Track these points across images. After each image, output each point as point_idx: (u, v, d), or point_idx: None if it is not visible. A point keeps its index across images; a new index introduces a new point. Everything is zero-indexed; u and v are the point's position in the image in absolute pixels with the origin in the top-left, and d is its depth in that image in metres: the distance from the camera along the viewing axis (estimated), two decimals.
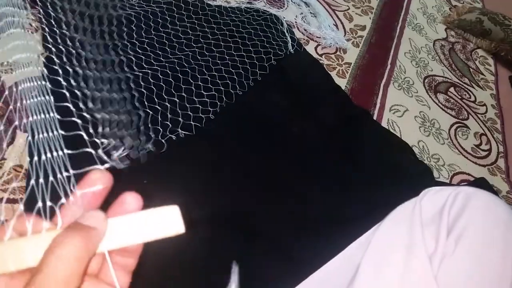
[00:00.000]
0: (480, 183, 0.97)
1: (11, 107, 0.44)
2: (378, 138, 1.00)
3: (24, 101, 0.46)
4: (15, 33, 0.72)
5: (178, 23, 0.99)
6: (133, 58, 0.82)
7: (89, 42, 0.79)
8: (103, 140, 0.62)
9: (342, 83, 1.11)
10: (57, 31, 0.83)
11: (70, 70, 0.68)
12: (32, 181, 0.30)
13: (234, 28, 1.05)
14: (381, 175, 0.89)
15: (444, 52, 1.43)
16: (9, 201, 0.63)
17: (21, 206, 0.27)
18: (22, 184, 0.64)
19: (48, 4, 0.83)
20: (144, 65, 0.83)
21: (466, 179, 1.02)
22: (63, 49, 0.71)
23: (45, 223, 0.26)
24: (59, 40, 0.79)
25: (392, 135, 1.03)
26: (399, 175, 0.90)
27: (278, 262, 0.68)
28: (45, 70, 0.62)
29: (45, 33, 0.81)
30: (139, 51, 0.86)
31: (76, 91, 0.64)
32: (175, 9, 1.02)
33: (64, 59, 0.69)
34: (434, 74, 1.31)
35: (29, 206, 0.27)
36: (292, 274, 0.62)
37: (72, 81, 0.65)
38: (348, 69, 1.17)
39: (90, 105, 0.63)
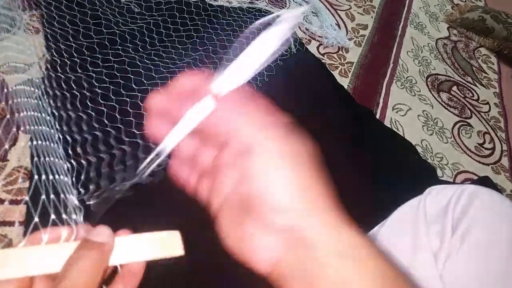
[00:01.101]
0: (484, 182, 0.96)
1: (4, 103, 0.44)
2: (381, 138, 1.00)
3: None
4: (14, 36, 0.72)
5: (181, 28, 0.99)
6: (142, 72, 0.82)
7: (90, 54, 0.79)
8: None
9: (344, 82, 1.11)
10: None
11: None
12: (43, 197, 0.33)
13: (237, 29, 1.05)
14: (385, 174, 0.89)
15: (447, 51, 1.43)
16: (13, 202, 0.63)
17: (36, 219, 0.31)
18: (25, 185, 0.64)
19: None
20: (155, 76, 0.83)
21: (469, 178, 1.02)
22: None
23: (64, 233, 0.29)
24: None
25: (395, 134, 1.03)
26: (402, 174, 0.90)
27: None
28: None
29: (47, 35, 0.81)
30: (148, 62, 0.86)
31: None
32: (177, 14, 1.02)
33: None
34: (436, 73, 1.31)
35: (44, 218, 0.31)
36: None
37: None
38: (351, 68, 1.17)
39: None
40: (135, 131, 0.70)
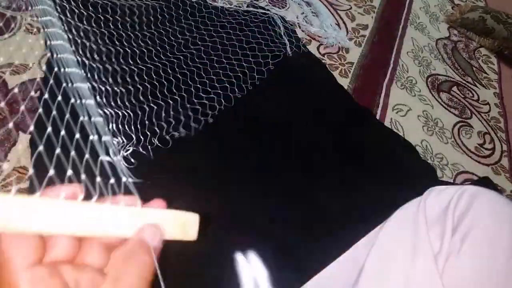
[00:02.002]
0: (484, 182, 0.96)
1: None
2: (382, 138, 1.00)
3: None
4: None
5: (175, 22, 0.99)
6: (137, 51, 0.82)
7: (92, 32, 0.79)
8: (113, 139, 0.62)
9: (344, 82, 1.11)
10: (63, 18, 0.83)
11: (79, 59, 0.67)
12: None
13: (231, 31, 1.05)
14: (385, 175, 0.89)
15: (447, 51, 1.43)
16: None
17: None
18: (25, 186, 0.64)
19: None
20: (147, 60, 0.83)
21: (469, 178, 1.02)
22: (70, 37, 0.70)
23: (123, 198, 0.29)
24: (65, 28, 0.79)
25: (395, 134, 1.03)
26: (403, 174, 0.90)
27: (284, 262, 0.68)
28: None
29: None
30: (142, 44, 0.86)
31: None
32: (173, 7, 1.02)
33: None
34: (437, 73, 1.31)
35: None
36: (298, 274, 0.62)
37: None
38: (351, 69, 1.17)
39: (98, 99, 0.63)
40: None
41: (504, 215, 0.51)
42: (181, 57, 0.90)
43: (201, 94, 0.85)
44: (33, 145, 0.67)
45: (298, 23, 1.22)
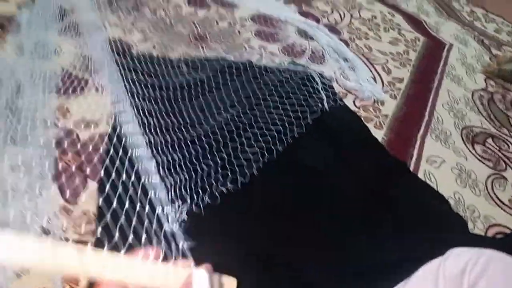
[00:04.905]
0: None
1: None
2: (414, 189, 1.05)
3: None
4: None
5: (223, 87, 1.11)
6: (188, 120, 0.94)
7: (150, 108, 0.91)
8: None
9: (379, 134, 1.18)
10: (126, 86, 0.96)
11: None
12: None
13: (273, 88, 1.16)
14: (416, 226, 0.93)
15: (483, 102, 1.47)
16: (80, 242, 0.74)
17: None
18: (92, 228, 0.75)
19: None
20: (199, 126, 0.95)
21: (502, 232, 1.04)
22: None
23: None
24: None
25: (428, 186, 1.07)
26: (433, 226, 0.94)
27: None
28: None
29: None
30: (195, 112, 0.98)
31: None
32: (221, 74, 1.15)
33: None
34: (472, 125, 1.35)
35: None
36: None
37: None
38: (386, 121, 1.23)
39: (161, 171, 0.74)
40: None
41: None
42: (228, 116, 1.01)
43: (246, 148, 0.94)
44: (100, 192, 0.79)
45: (335, 78, 1.31)
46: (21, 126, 0.73)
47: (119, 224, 0.43)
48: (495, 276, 0.55)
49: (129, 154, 0.62)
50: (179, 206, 0.74)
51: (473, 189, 1.13)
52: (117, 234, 0.39)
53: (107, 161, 0.75)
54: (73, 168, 0.78)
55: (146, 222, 0.43)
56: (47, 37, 0.99)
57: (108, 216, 0.42)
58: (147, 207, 0.59)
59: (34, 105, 0.79)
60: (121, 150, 0.73)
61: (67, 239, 0.68)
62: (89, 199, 0.79)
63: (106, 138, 0.88)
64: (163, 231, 0.41)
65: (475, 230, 1.02)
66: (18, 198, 0.64)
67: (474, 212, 1.07)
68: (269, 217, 0.87)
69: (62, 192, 0.74)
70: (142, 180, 0.59)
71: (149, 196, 0.58)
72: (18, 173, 0.67)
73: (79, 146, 0.82)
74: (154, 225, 0.43)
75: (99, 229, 0.39)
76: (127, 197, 0.61)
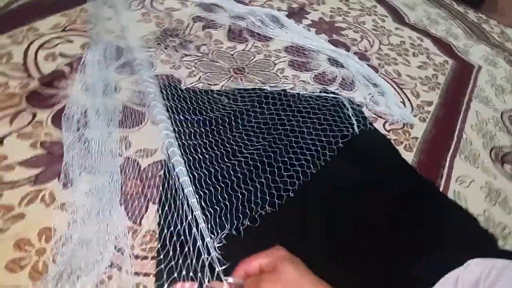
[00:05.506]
0: None
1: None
2: (443, 208, 1.11)
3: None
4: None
5: (260, 116, 1.22)
6: (230, 150, 1.05)
7: (195, 143, 1.03)
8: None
9: (409, 157, 1.24)
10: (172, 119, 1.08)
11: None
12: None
13: (306, 114, 1.26)
14: (445, 243, 0.99)
15: None
16: (143, 258, 0.84)
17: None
18: (154, 245, 0.85)
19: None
20: (238, 155, 1.06)
21: None
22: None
23: None
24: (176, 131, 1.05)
25: (457, 206, 1.13)
26: (462, 243, 1.00)
27: None
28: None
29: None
30: (234, 145, 1.09)
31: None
32: (257, 105, 1.26)
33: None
34: (501, 145, 1.39)
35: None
36: None
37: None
38: (415, 143, 1.30)
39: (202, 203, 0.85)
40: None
41: None
42: (266, 143, 1.11)
43: (282, 172, 1.04)
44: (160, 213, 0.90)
45: (365, 103, 1.39)
46: (92, 155, 0.85)
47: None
48: (510, 282, 0.60)
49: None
50: (217, 233, 0.83)
51: (503, 207, 1.17)
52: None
53: (165, 184, 0.88)
54: (136, 192, 0.89)
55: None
56: (108, 75, 1.13)
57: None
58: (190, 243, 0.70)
59: (101, 137, 0.92)
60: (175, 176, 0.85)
61: (136, 257, 0.79)
62: (150, 221, 0.89)
63: (163, 169, 0.99)
64: (200, 261, 0.50)
65: (506, 247, 1.06)
66: (92, 220, 0.75)
67: (505, 229, 1.11)
68: (306, 236, 0.95)
69: (128, 213, 0.86)
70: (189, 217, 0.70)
71: (193, 231, 0.70)
72: (91, 198, 0.79)
73: (140, 172, 0.93)
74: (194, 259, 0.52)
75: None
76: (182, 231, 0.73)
